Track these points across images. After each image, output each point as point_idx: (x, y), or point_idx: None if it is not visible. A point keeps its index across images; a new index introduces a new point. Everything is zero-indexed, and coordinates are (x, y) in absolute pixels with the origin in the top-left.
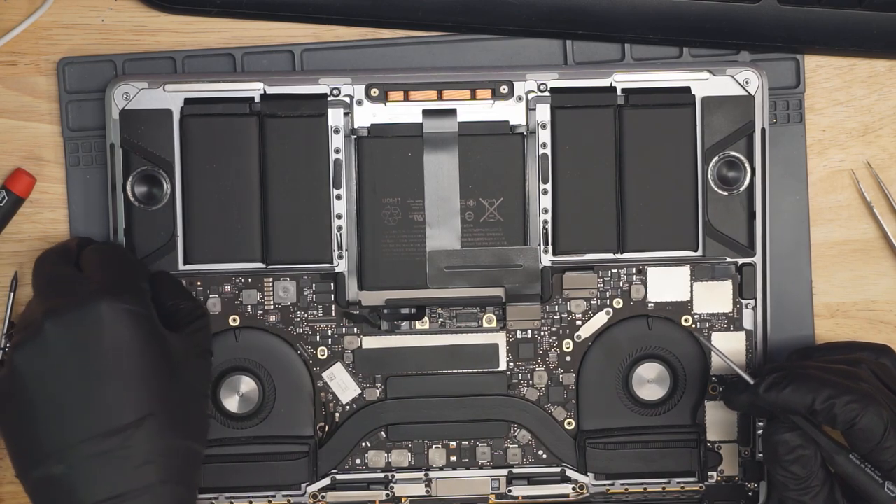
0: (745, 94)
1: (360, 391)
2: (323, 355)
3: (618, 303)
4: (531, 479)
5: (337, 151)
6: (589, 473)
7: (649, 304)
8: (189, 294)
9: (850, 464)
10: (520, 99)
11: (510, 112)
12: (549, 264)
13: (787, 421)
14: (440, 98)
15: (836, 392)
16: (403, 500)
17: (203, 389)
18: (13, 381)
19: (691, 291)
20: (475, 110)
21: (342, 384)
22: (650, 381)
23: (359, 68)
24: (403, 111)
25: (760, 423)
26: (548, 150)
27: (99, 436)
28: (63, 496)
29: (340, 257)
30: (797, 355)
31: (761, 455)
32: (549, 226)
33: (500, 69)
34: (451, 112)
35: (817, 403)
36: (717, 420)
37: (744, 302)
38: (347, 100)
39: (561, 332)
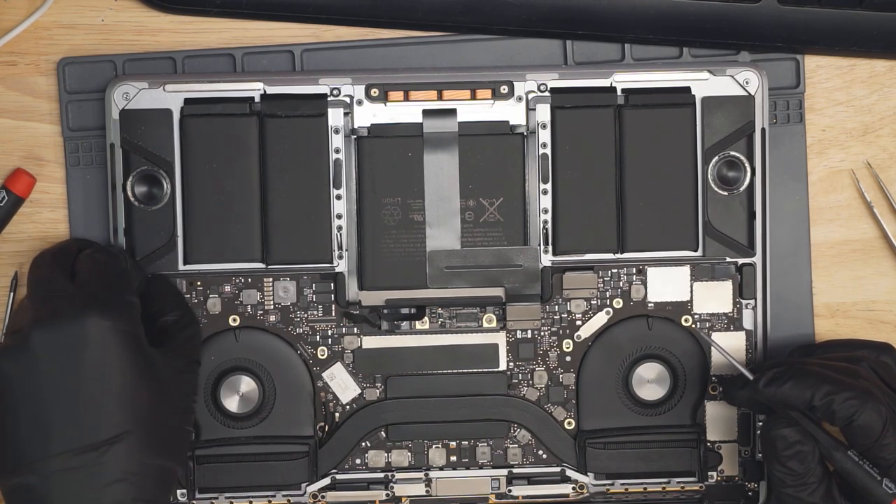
0: (745, 94)
1: (360, 391)
2: (323, 355)
3: (618, 303)
4: (531, 479)
5: (337, 151)
6: (589, 473)
7: (649, 304)
8: (182, 301)
9: (849, 460)
10: (520, 99)
11: (510, 112)
12: (549, 264)
13: (786, 416)
14: (440, 98)
15: (836, 388)
16: (403, 500)
17: (186, 404)
18: None
19: (691, 291)
20: (475, 110)
21: (342, 384)
22: (650, 381)
23: (359, 68)
24: (403, 111)
25: (760, 423)
26: (548, 150)
27: (74, 450)
28: None
29: (340, 257)
30: (798, 352)
31: (761, 455)
32: (549, 226)
33: (500, 69)
34: (451, 112)
35: (816, 399)
36: (717, 420)
37: (744, 302)
38: (347, 100)
39: (561, 332)
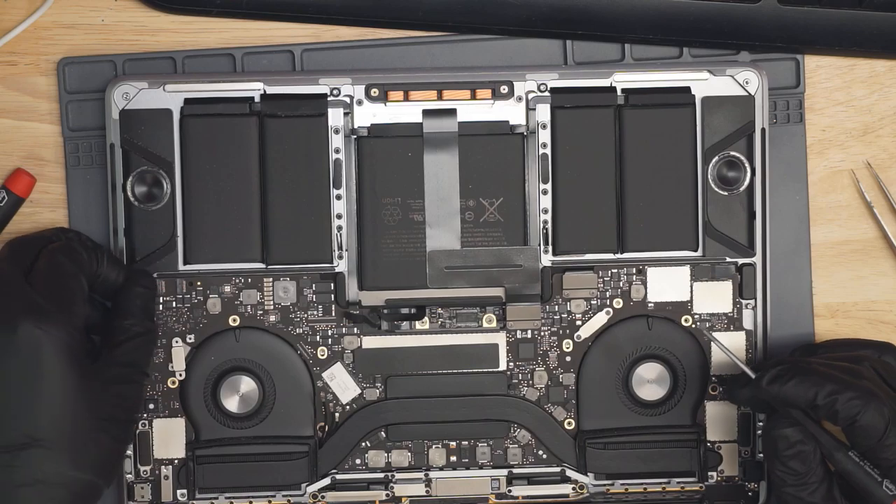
0: (745, 94)
1: (360, 391)
2: (323, 355)
3: (618, 303)
4: (531, 479)
5: (337, 151)
6: (589, 473)
7: (649, 304)
8: (148, 309)
9: (850, 461)
10: (520, 99)
11: (510, 112)
12: (549, 264)
13: (788, 416)
14: (440, 98)
15: (839, 388)
16: (403, 500)
17: (120, 416)
18: None
19: (691, 291)
20: (475, 110)
21: (342, 384)
22: (650, 381)
23: (359, 68)
24: (403, 111)
25: (760, 423)
26: (548, 150)
27: None
28: None
29: (340, 257)
30: (800, 352)
31: (761, 455)
32: (549, 226)
33: (500, 69)
34: (451, 112)
35: (819, 398)
36: (717, 420)
37: (744, 302)
38: (347, 100)
39: (561, 332)
